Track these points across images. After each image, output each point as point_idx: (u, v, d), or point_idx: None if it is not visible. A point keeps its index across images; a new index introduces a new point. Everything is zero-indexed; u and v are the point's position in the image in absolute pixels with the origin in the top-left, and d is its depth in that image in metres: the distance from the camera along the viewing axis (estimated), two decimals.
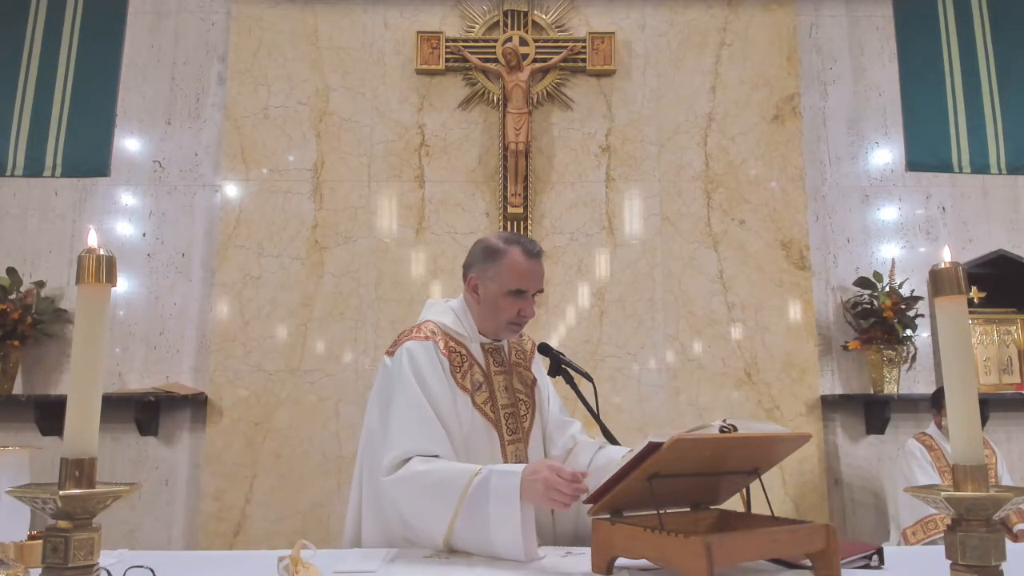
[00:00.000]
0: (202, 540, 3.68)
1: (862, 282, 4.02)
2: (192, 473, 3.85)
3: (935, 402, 3.65)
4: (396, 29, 4.12)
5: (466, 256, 2.02)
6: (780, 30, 4.17)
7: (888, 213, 4.24)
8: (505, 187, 3.96)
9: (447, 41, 4.06)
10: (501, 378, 1.99)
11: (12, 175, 3.84)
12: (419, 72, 4.07)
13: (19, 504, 1.05)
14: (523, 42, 4.07)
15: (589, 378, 2.01)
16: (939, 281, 1.16)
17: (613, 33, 4.10)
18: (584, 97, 4.11)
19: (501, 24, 4.12)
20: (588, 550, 1.48)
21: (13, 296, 3.80)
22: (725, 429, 1.49)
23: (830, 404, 3.98)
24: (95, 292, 1.08)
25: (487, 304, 1.94)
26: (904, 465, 3.57)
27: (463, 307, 2.00)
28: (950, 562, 1.11)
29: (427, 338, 1.90)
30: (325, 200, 3.99)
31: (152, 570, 1.35)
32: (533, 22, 4.13)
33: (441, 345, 1.90)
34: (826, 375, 4.05)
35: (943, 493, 1.11)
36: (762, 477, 1.54)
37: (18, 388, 3.86)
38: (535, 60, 4.04)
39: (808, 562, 1.39)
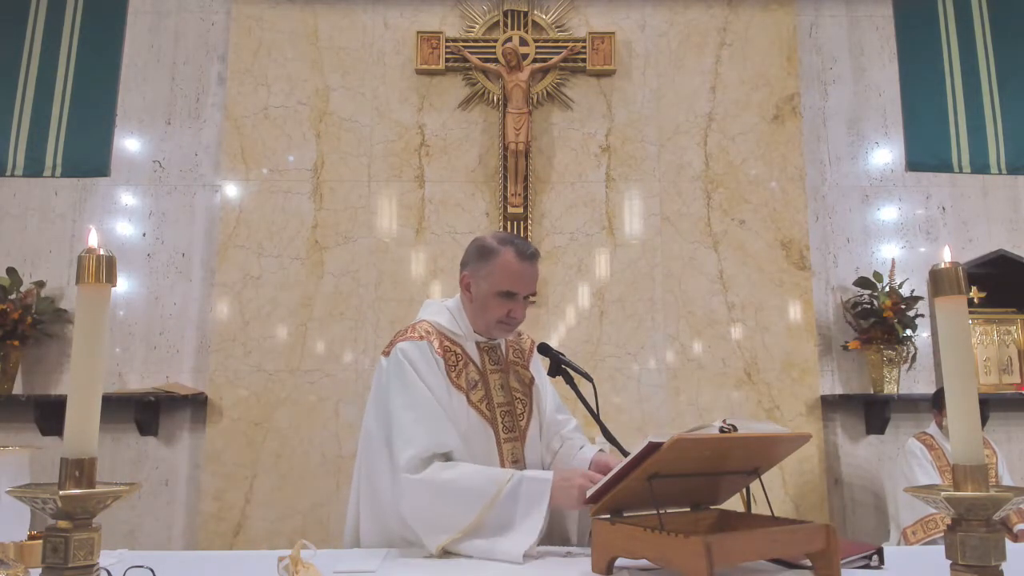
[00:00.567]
0: (202, 540, 3.68)
1: (862, 282, 4.02)
2: (192, 473, 3.85)
3: (936, 402, 3.65)
4: (396, 29, 4.12)
5: (462, 255, 2.03)
6: (780, 30, 4.17)
7: (888, 213, 4.24)
8: (505, 187, 3.96)
9: (447, 41, 4.06)
10: (497, 376, 1.99)
11: (12, 175, 3.84)
12: (419, 72, 4.07)
13: (19, 504, 1.05)
14: (523, 42, 4.07)
15: (589, 378, 2.01)
16: (939, 281, 1.16)
17: (613, 33, 4.10)
18: (584, 97, 4.11)
19: (501, 24, 4.12)
20: (588, 550, 1.48)
21: (13, 296, 3.80)
22: (725, 429, 1.49)
23: (830, 404, 3.98)
24: (95, 292, 1.08)
25: (478, 303, 1.95)
26: (904, 465, 3.57)
27: (459, 306, 2.01)
28: (950, 562, 1.11)
29: (421, 338, 1.91)
30: (325, 200, 3.99)
31: (152, 570, 1.35)
32: (533, 22, 4.13)
33: (436, 344, 1.90)
34: (826, 375, 4.05)
35: (943, 493, 1.11)
36: (762, 477, 1.54)
37: (18, 388, 3.86)
38: (535, 60, 4.04)
39: (808, 562, 1.39)
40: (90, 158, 3.87)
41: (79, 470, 1.04)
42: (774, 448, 1.54)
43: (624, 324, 3.94)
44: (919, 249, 4.20)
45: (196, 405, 3.86)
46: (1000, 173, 3.99)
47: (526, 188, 3.95)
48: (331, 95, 4.06)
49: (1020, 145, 3.97)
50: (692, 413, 3.86)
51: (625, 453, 1.74)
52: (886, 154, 4.26)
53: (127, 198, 4.09)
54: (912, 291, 3.99)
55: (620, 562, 1.43)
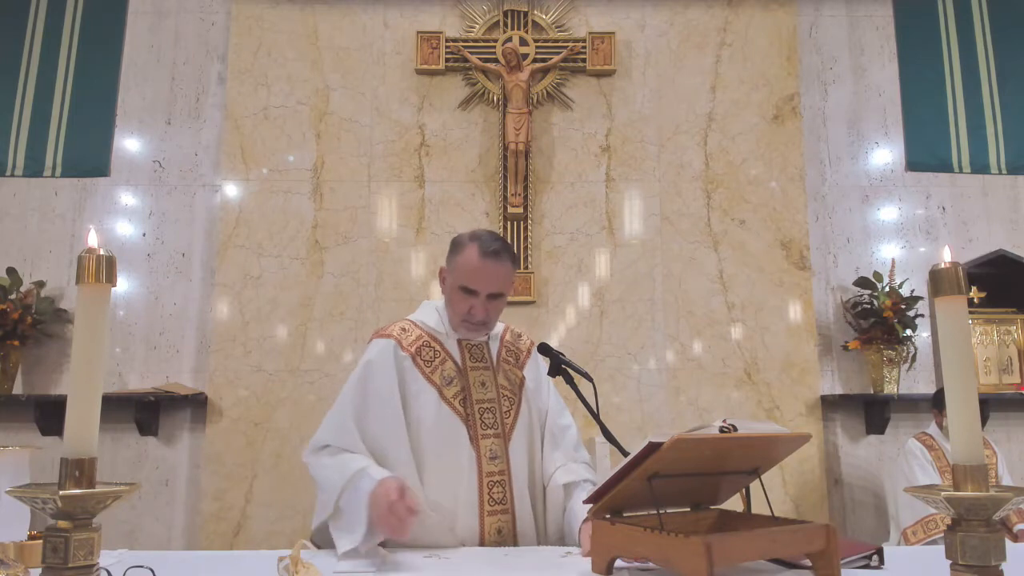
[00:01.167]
0: (202, 540, 3.68)
1: (862, 282, 4.02)
2: (192, 473, 3.85)
3: (936, 402, 3.65)
4: (396, 29, 4.12)
5: None
6: (780, 30, 4.17)
7: (888, 213, 4.24)
8: (505, 187, 3.96)
9: (447, 41, 4.06)
10: (479, 374, 1.99)
11: (12, 175, 3.84)
12: (419, 72, 4.07)
13: (19, 504, 1.05)
14: (523, 42, 4.07)
15: (589, 378, 2.01)
16: (939, 281, 1.16)
17: (613, 33, 4.10)
18: (584, 97, 4.11)
19: (501, 24, 4.12)
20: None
21: (13, 296, 3.80)
22: (725, 429, 1.49)
23: (830, 404, 3.98)
24: (95, 292, 1.08)
25: (446, 297, 1.99)
26: (904, 465, 3.57)
27: (445, 303, 2.05)
28: (950, 562, 1.11)
29: (389, 336, 1.97)
30: (325, 200, 3.99)
31: (152, 570, 1.35)
32: (533, 22, 4.13)
33: (407, 342, 1.95)
34: (826, 375, 4.05)
35: (943, 493, 1.10)
36: (762, 477, 1.54)
37: (18, 388, 3.86)
38: (535, 60, 4.05)
39: (808, 562, 1.39)
40: (90, 158, 3.87)
41: (79, 470, 1.04)
42: (774, 448, 1.54)
43: (624, 324, 3.94)
44: (919, 249, 4.20)
45: (196, 405, 3.86)
46: (1000, 173, 3.99)
47: (526, 188, 3.95)
48: (331, 95, 4.06)
49: (1020, 145, 3.97)
50: (692, 413, 3.86)
51: (625, 453, 1.74)
52: (886, 154, 4.26)
53: (127, 198, 4.09)
54: (912, 291, 3.99)
55: (620, 562, 1.43)
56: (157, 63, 4.17)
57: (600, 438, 2.04)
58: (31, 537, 1.50)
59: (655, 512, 1.38)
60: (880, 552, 1.50)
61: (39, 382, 3.91)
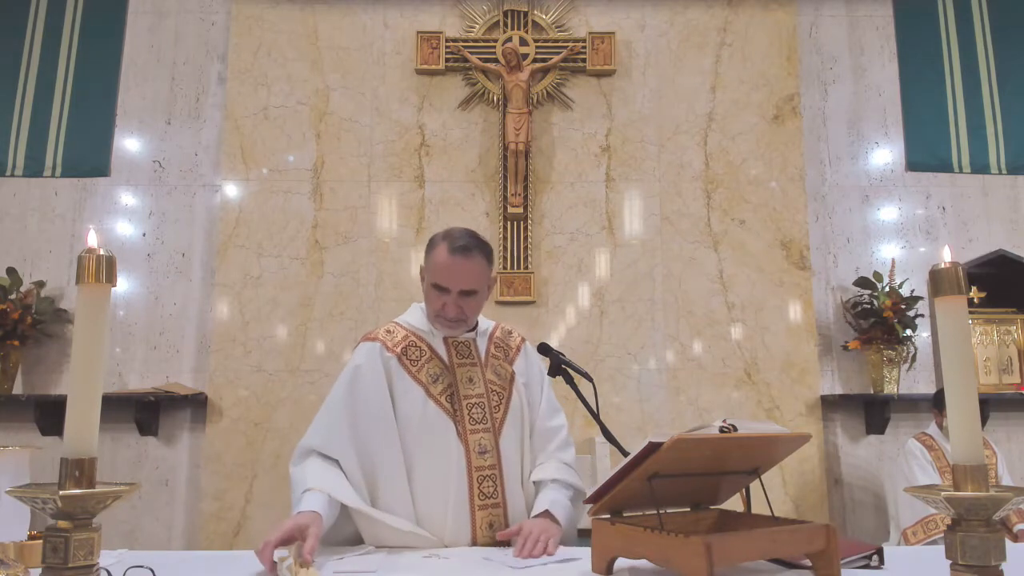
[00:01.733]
0: (202, 540, 3.68)
1: (862, 282, 4.02)
2: (192, 473, 3.85)
3: (936, 402, 3.65)
4: (396, 29, 4.12)
5: None
6: (780, 30, 4.17)
7: (888, 213, 4.24)
8: (505, 187, 3.96)
9: (447, 41, 4.06)
10: (467, 370, 2.00)
11: (12, 175, 3.85)
12: (419, 72, 4.07)
13: (19, 504, 1.05)
14: (523, 42, 4.07)
15: (589, 378, 2.01)
16: (939, 281, 1.16)
17: (613, 33, 4.10)
18: (584, 97, 4.11)
19: (501, 24, 4.12)
20: (587, 550, 1.48)
21: (13, 296, 3.80)
22: (725, 429, 1.49)
23: (830, 404, 3.98)
24: (95, 292, 1.08)
25: (424, 294, 2.02)
26: (904, 465, 3.57)
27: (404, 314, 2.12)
28: (950, 562, 1.11)
29: (375, 339, 2.00)
30: (325, 200, 3.99)
31: (152, 570, 1.34)
32: (533, 22, 4.13)
33: (393, 343, 1.98)
34: (826, 375, 4.05)
35: (943, 493, 1.10)
36: (762, 477, 1.54)
37: (18, 388, 3.86)
38: (535, 60, 4.05)
39: (808, 562, 1.39)
40: (90, 158, 3.88)
41: (79, 470, 1.03)
42: (774, 448, 1.54)
43: (624, 324, 3.94)
44: (919, 249, 4.20)
45: (196, 405, 3.86)
46: (1000, 173, 3.99)
47: (526, 188, 3.95)
48: (331, 95, 4.06)
49: (1020, 145, 3.97)
50: (692, 413, 3.86)
51: (625, 453, 1.74)
52: (886, 154, 4.26)
53: (127, 198, 4.09)
54: (912, 291, 3.99)
55: (620, 562, 1.43)
56: (157, 63, 4.17)
57: (600, 438, 2.04)
58: (31, 537, 1.50)
59: (655, 512, 1.38)
60: (880, 552, 1.50)
61: (39, 382, 3.91)
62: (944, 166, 4.02)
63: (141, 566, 1.36)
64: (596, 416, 1.98)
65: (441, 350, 2.01)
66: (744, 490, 1.63)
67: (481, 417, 1.96)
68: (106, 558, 1.32)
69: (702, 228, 4.02)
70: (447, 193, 4.02)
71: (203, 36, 4.20)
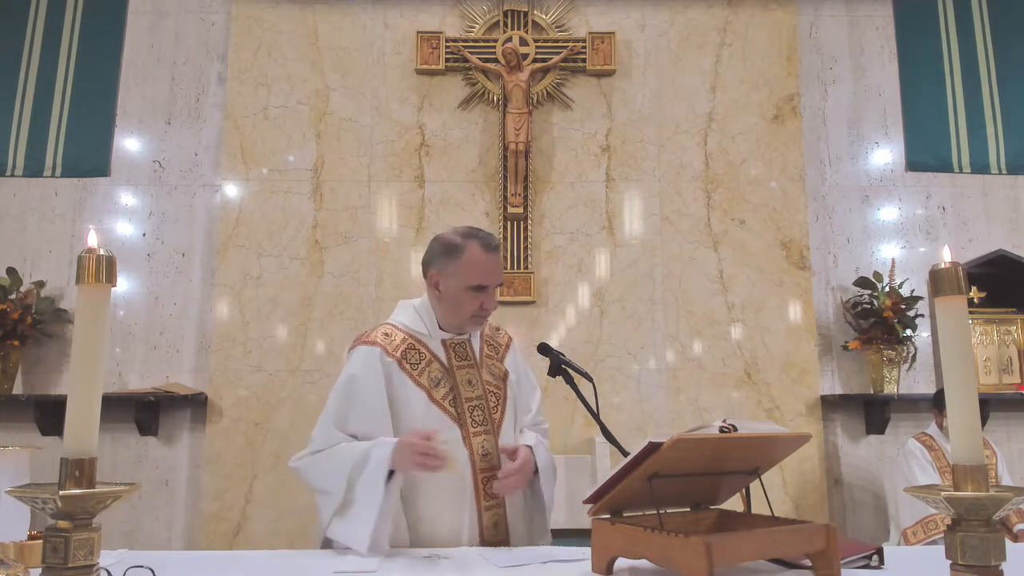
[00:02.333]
0: (202, 540, 3.68)
1: (862, 282, 4.02)
2: (192, 473, 3.85)
3: (936, 402, 3.65)
4: (396, 29, 4.12)
5: (424, 253, 2.05)
6: (780, 30, 4.16)
7: (888, 213, 4.24)
8: (505, 187, 3.96)
9: (447, 41, 4.06)
10: (466, 372, 2.00)
11: (12, 175, 3.85)
12: (419, 72, 4.07)
13: (19, 504, 1.05)
14: (523, 42, 4.07)
15: (589, 378, 2.01)
16: (939, 281, 1.16)
17: (613, 33, 4.10)
18: (584, 97, 4.11)
19: (501, 24, 4.12)
20: (587, 550, 1.48)
21: (13, 296, 3.80)
22: (725, 429, 1.49)
23: (830, 404, 3.98)
24: (95, 292, 1.08)
25: (449, 300, 1.97)
26: (904, 465, 3.57)
27: (426, 305, 2.04)
28: (950, 562, 1.11)
29: (374, 343, 1.96)
30: (325, 200, 3.99)
31: (152, 570, 1.35)
32: (533, 22, 4.13)
33: (392, 347, 1.95)
34: (826, 375, 4.05)
35: (943, 493, 1.10)
36: (762, 477, 1.54)
37: (18, 388, 3.86)
38: (535, 60, 4.04)
39: (808, 562, 1.39)
40: (90, 158, 3.88)
41: (79, 470, 1.04)
42: (774, 448, 1.54)
43: (624, 324, 3.94)
44: (919, 249, 4.20)
45: (196, 405, 3.86)
46: (1000, 173, 3.99)
47: (526, 188, 3.95)
48: (331, 95, 4.06)
49: (1020, 145, 3.97)
50: (692, 413, 3.85)
51: (625, 453, 1.74)
52: (886, 154, 4.26)
53: (127, 198, 4.09)
54: (912, 291, 3.99)
55: (620, 562, 1.43)
56: (157, 63, 4.17)
57: (600, 438, 2.05)
58: (31, 537, 1.50)
59: (655, 512, 1.38)
60: (880, 552, 1.50)
61: (39, 382, 3.91)
62: (944, 166, 4.02)
63: (141, 566, 1.36)
64: (596, 416, 1.98)
65: (440, 353, 2.00)
66: (744, 490, 1.63)
67: (482, 419, 1.96)
68: (106, 558, 1.32)
69: (702, 228, 4.02)
70: (447, 193, 4.02)
71: (203, 36, 4.20)
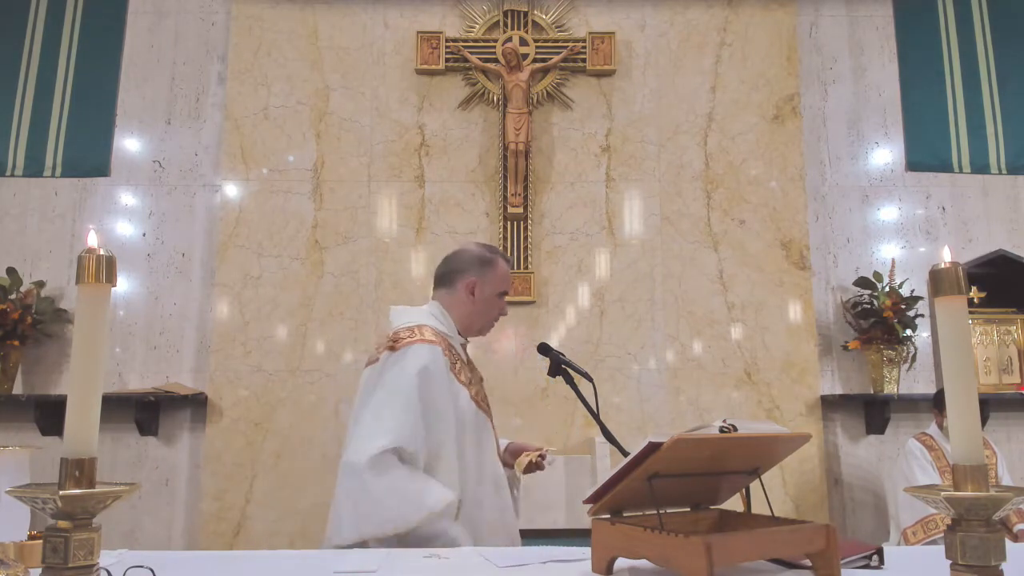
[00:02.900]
0: (202, 540, 3.68)
1: (862, 282, 4.02)
2: (192, 473, 3.85)
3: (936, 402, 3.65)
4: (396, 29, 4.12)
5: (450, 263, 2.19)
6: (780, 30, 4.17)
7: (888, 213, 4.24)
8: (505, 187, 3.96)
9: (447, 41, 4.06)
10: (476, 372, 2.19)
11: (12, 175, 3.84)
12: (419, 72, 4.07)
13: (19, 504, 1.05)
14: (523, 42, 4.07)
15: (589, 378, 2.01)
16: (939, 281, 1.16)
17: (613, 33, 4.10)
18: (584, 97, 4.11)
19: (501, 24, 4.12)
20: (587, 550, 1.48)
21: (13, 296, 3.80)
22: (725, 429, 1.49)
23: (830, 404, 3.98)
24: (95, 292, 1.08)
25: (482, 305, 2.13)
26: (904, 465, 3.57)
27: (441, 310, 2.13)
28: (950, 562, 1.11)
29: (431, 341, 1.98)
30: (325, 200, 3.99)
31: (152, 570, 1.34)
32: (533, 22, 4.13)
33: (443, 346, 2.03)
34: (826, 375, 4.05)
35: (943, 493, 1.10)
36: (762, 477, 1.54)
37: (18, 388, 3.86)
38: (535, 60, 4.04)
39: (808, 562, 1.39)
40: (90, 158, 3.88)
41: (79, 470, 1.03)
42: (774, 448, 1.54)
43: (624, 324, 3.94)
44: (919, 249, 4.20)
45: (196, 405, 3.86)
46: (1000, 173, 3.99)
47: (526, 188, 3.95)
48: (331, 95, 4.06)
49: (1020, 145, 3.97)
50: (692, 413, 3.86)
51: (625, 453, 1.74)
52: (886, 154, 4.26)
53: (127, 198, 4.09)
54: (912, 291, 3.99)
55: (620, 562, 1.43)
56: (157, 63, 4.17)
57: (600, 438, 2.06)
58: (31, 537, 1.50)
59: (655, 512, 1.38)
60: (880, 552, 1.50)
61: (39, 382, 3.91)
62: (944, 166, 4.02)
63: (141, 566, 1.36)
64: (596, 416, 1.98)
65: (462, 355, 2.13)
66: (744, 490, 1.63)
67: (491, 414, 2.13)
68: (106, 558, 1.32)
69: (702, 228, 4.02)
70: (447, 193, 4.02)
71: (203, 36, 4.20)
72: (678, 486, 1.44)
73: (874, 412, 3.98)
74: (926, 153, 4.01)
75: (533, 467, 2.14)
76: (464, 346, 2.17)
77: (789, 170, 4.06)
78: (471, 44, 4.07)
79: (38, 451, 1.64)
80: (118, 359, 3.92)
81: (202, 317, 3.97)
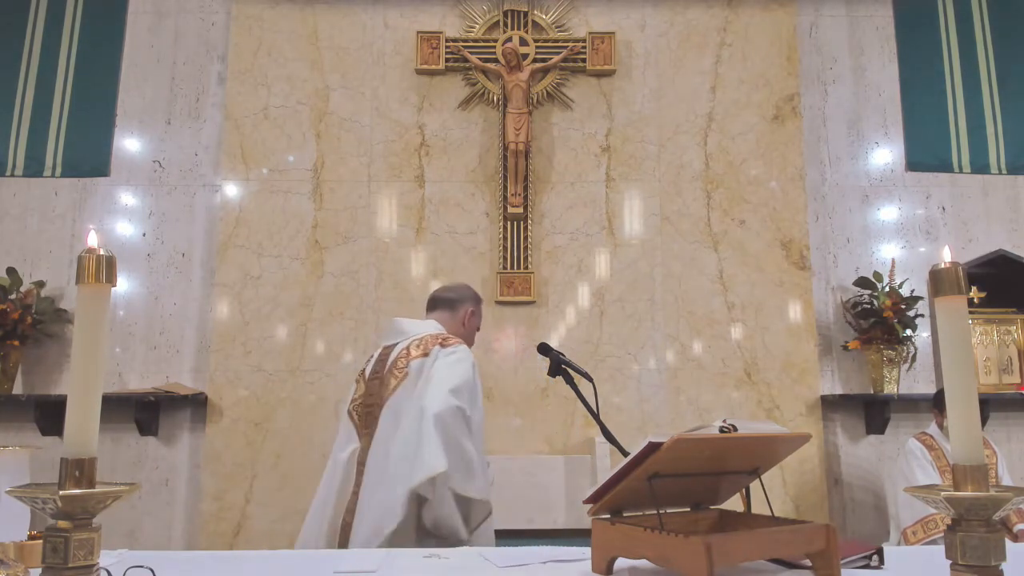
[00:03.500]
0: (202, 540, 3.68)
1: (862, 282, 4.02)
2: (192, 473, 3.85)
3: (936, 402, 3.65)
4: (396, 29, 4.12)
5: (456, 292, 2.56)
6: (780, 30, 4.17)
7: (888, 213, 4.24)
8: (505, 187, 3.96)
9: (447, 41, 4.06)
10: None
11: (12, 175, 3.84)
12: (419, 72, 4.07)
13: (19, 504, 1.05)
14: (523, 42, 4.07)
15: (589, 378, 2.01)
16: (939, 281, 1.16)
17: (613, 33, 4.10)
18: (584, 97, 4.11)
19: (501, 24, 4.12)
20: (587, 550, 1.48)
21: (13, 296, 3.80)
22: (725, 429, 1.49)
23: (830, 404, 3.98)
24: (95, 292, 1.08)
25: (471, 329, 2.56)
26: (904, 465, 3.57)
27: (441, 329, 2.44)
28: (950, 562, 1.11)
29: (466, 345, 2.36)
30: (325, 200, 3.99)
31: (152, 570, 1.34)
32: (533, 22, 4.13)
33: None
34: (826, 375, 4.05)
35: (943, 493, 1.10)
36: (762, 477, 1.54)
37: (18, 388, 3.86)
38: (535, 60, 4.04)
39: (808, 562, 1.39)
40: (90, 158, 3.87)
41: (79, 470, 1.03)
42: (774, 448, 1.53)
43: (624, 324, 3.94)
44: (919, 249, 4.20)
45: (196, 405, 3.86)
46: (1000, 173, 3.99)
47: (526, 188, 3.95)
48: (331, 95, 4.06)
49: (1020, 145, 3.97)
50: (692, 413, 3.86)
51: (625, 453, 1.74)
52: (886, 154, 4.26)
53: (127, 198, 4.09)
54: (912, 291, 3.99)
55: (620, 562, 1.43)
56: (157, 63, 4.17)
57: (600, 438, 2.05)
58: (31, 537, 1.49)
59: (655, 512, 1.38)
60: (880, 552, 1.50)
61: (39, 382, 3.91)
62: (944, 166, 4.02)
63: (141, 566, 1.36)
64: (596, 416, 1.98)
65: None
66: (744, 490, 1.63)
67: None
68: (106, 558, 1.32)
69: (702, 228, 4.02)
70: (447, 193, 4.02)
71: (203, 36, 4.20)
72: (678, 486, 1.44)
73: (874, 412, 3.98)
74: (926, 153, 4.00)
75: None
76: None
77: (789, 170, 4.06)
78: (471, 44, 4.07)
79: (38, 451, 1.64)
80: (118, 359, 3.92)
81: (202, 317, 3.97)
